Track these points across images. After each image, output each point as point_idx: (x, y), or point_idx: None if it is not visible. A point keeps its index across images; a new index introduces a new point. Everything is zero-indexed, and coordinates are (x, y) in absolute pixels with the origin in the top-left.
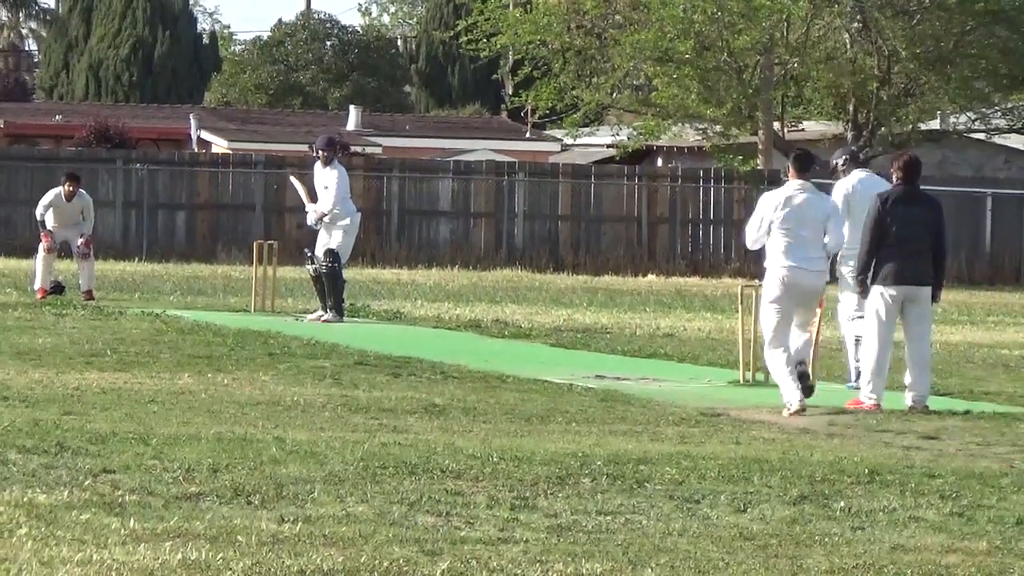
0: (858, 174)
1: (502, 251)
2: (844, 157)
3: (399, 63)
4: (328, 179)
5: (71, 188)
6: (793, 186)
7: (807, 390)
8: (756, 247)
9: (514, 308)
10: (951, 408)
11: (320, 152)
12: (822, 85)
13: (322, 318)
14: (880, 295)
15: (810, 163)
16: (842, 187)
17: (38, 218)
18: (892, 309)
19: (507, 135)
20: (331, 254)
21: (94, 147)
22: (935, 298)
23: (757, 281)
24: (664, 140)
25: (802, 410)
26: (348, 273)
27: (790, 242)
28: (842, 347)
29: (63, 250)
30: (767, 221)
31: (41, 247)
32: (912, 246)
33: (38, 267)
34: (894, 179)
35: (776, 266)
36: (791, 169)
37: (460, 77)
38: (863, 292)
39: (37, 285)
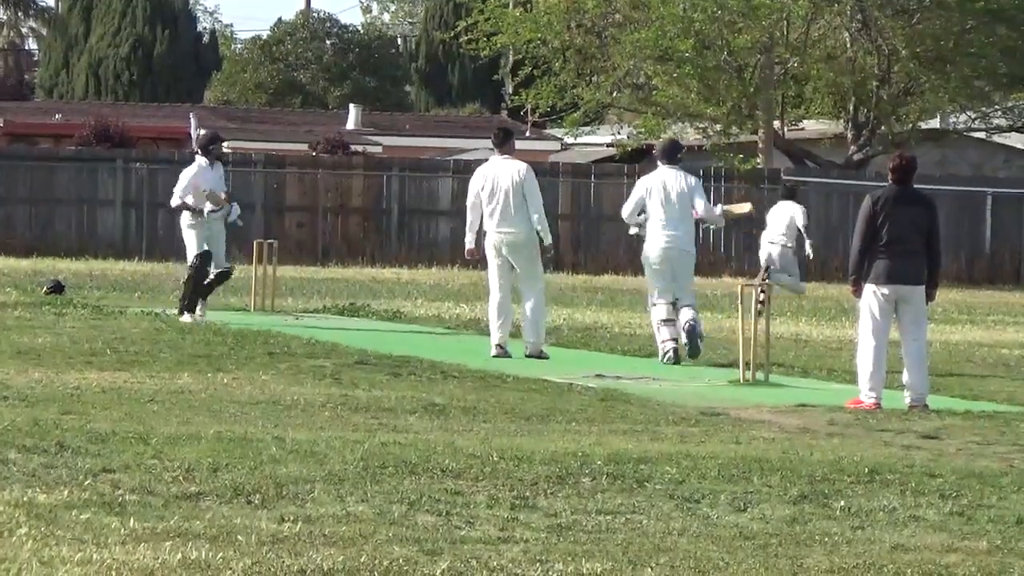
0: (662, 170)
1: None
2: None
3: (399, 62)
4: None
5: None
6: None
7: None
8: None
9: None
10: (951, 407)
11: (199, 150)
12: (822, 84)
13: (195, 317)
14: (873, 293)
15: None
16: (643, 180)
17: None
18: (886, 308)
19: None
20: (198, 256)
21: (94, 146)
22: (930, 297)
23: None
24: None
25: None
26: (347, 272)
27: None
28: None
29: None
30: None
31: None
32: (905, 246)
33: None
34: (889, 179)
35: None
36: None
37: (460, 76)
38: (856, 292)
39: None
